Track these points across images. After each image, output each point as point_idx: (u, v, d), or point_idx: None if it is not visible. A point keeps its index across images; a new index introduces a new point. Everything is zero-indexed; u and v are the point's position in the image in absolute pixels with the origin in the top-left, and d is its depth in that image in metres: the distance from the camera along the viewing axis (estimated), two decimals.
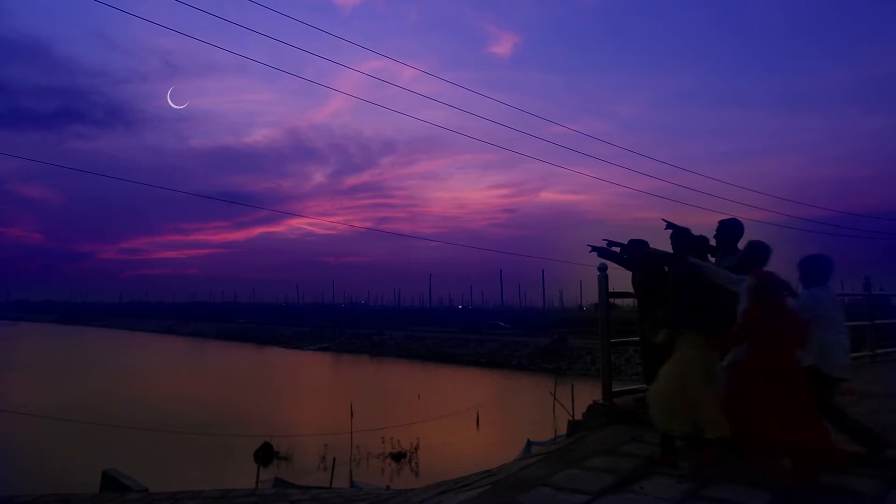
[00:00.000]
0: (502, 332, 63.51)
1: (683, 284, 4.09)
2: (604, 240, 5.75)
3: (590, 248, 5.69)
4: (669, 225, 4.89)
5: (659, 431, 3.96)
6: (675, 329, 3.98)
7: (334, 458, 17.30)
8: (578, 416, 5.73)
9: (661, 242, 5.16)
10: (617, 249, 5.62)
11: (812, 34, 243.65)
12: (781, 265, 4.14)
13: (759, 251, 4.14)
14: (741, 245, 4.73)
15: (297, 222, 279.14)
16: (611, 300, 6.09)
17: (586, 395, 11.99)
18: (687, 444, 3.94)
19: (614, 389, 5.71)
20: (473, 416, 24.68)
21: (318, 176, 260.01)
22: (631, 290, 5.56)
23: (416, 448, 20.28)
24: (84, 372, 41.70)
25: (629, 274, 5.57)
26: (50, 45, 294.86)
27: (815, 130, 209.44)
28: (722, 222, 5.29)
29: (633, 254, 5.48)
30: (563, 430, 7.77)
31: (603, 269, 5.78)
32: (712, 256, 5.09)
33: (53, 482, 13.69)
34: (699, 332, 3.87)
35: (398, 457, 20.08)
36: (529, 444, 16.32)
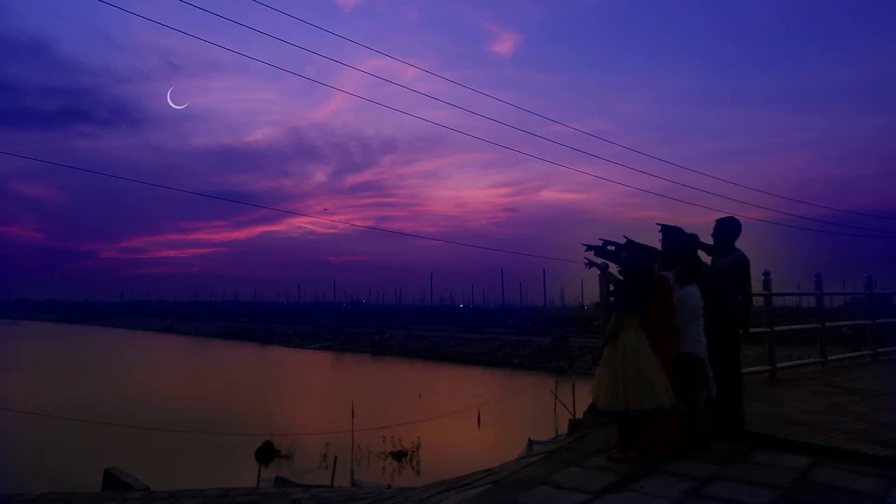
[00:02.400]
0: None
1: (633, 275, 4.48)
2: (600, 239, 5.74)
3: (585, 247, 5.68)
4: (664, 228, 5.01)
5: (601, 409, 4.25)
6: (622, 312, 4.33)
7: (335, 457, 17.31)
8: (579, 415, 5.73)
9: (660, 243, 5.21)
10: (612, 248, 5.63)
11: (812, 34, 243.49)
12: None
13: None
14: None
15: (298, 221, 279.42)
16: (612, 299, 6.08)
17: (587, 394, 11.99)
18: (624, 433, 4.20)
19: None
20: (474, 415, 24.69)
21: (320, 175, 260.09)
22: None
23: (418, 447, 20.29)
24: (85, 371, 41.77)
25: None
26: (53, 44, 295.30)
27: (815, 129, 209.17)
28: (719, 221, 5.33)
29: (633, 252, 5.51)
30: (564, 428, 7.78)
31: (604, 267, 5.77)
32: (709, 254, 5.19)
33: (55, 481, 13.71)
34: (639, 316, 4.30)
35: (399, 456, 20.08)
36: (531, 443, 16.31)
